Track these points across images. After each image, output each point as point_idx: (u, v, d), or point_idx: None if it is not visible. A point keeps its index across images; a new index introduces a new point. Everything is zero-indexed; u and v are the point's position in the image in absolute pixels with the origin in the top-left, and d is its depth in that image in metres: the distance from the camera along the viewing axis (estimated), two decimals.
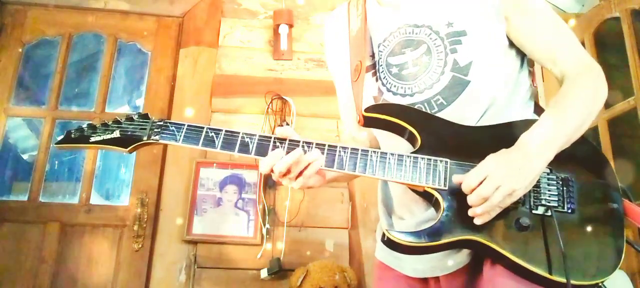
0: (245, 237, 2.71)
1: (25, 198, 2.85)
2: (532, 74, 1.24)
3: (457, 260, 1.10)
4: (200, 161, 2.80)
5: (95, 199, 2.94)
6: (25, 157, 4.07)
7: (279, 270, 2.61)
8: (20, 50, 3.06)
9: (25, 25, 3.09)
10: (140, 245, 2.73)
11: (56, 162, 3.57)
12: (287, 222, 2.75)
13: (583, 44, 3.00)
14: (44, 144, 2.93)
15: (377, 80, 1.22)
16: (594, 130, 2.85)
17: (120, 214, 2.83)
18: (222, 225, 2.72)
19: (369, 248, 2.74)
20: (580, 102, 1.07)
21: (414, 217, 1.16)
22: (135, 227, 2.74)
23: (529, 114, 1.19)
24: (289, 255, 2.69)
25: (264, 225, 2.72)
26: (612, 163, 2.72)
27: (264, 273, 2.63)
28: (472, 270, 1.10)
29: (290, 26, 3.03)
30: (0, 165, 3.36)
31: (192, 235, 2.69)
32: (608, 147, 2.74)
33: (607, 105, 2.81)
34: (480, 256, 1.08)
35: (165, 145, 2.89)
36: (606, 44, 2.96)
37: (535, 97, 1.25)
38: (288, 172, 1.07)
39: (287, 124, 2.90)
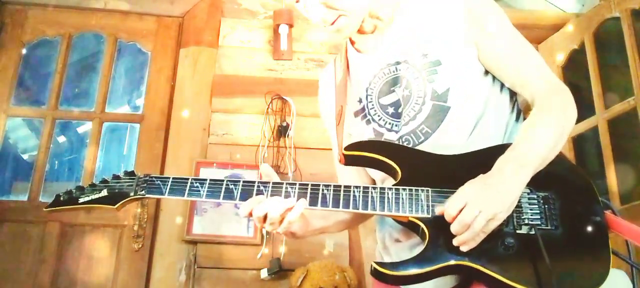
0: (245, 237, 2.71)
1: (25, 198, 2.85)
2: (515, 96, 1.27)
3: (447, 281, 1.11)
4: (200, 161, 2.80)
5: None
6: (25, 157, 4.07)
7: (279, 270, 2.60)
8: (20, 50, 3.06)
9: (25, 25, 3.09)
10: (140, 245, 2.73)
11: (56, 162, 3.57)
12: None
13: (583, 44, 3.01)
14: (44, 144, 2.93)
15: (369, 122, 1.26)
16: (594, 130, 2.85)
17: (120, 214, 2.82)
18: (222, 225, 2.72)
19: (369, 248, 2.74)
20: (551, 123, 1.10)
21: (410, 239, 1.17)
22: (135, 227, 2.74)
23: (516, 134, 1.21)
24: (289, 255, 2.69)
25: None
26: (612, 163, 2.73)
27: (264, 274, 2.63)
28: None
29: (290, 26, 3.03)
30: (0, 165, 3.36)
31: (192, 235, 2.69)
32: (608, 147, 2.74)
33: (607, 105, 2.82)
34: (472, 279, 1.09)
35: (165, 145, 2.90)
36: (606, 44, 2.96)
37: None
38: (265, 218, 1.10)
39: (287, 124, 2.90)
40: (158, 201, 2.80)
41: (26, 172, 3.10)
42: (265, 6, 3.19)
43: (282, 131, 2.89)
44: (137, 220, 2.75)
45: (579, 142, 3.06)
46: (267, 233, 2.72)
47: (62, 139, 4.21)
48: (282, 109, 2.96)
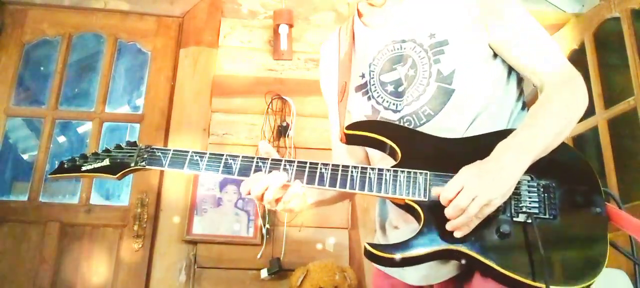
0: (245, 237, 2.71)
1: (25, 198, 2.85)
2: (521, 81, 1.24)
3: (449, 268, 1.11)
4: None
5: (95, 199, 2.95)
6: (25, 157, 4.07)
7: (279, 270, 2.61)
8: (20, 50, 3.06)
9: (25, 25, 3.09)
10: (140, 245, 2.73)
11: (56, 162, 3.57)
12: (287, 222, 2.75)
13: (583, 44, 3.01)
14: (44, 144, 2.93)
15: (369, 99, 1.25)
16: (594, 130, 2.85)
17: (120, 214, 2.83)
18: (222, 225, 2.72)
19: None
20: (558, 110, 1.08)
21: (409, 226, 1.16)
22: (135, 227, 2.74)
23: (520, 123, 1.19)
24: (289, 255, 2.69)
25: (264, 225, 2.72)
26: (612, 163, 2.73)
27: (264, 273, 2.63)
28: (465, 277, 1.11)
29: (290, 26, 3.03)
30: (0, 165, 3.36)
31: (192, 235, 2.69)
32: (608, 147, 2.74)
33: (607, 105, 2.82)
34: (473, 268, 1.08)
35: (165, 145, 2.89)
36: (606, 44, 2.96)
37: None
38: (263, 195, 1.10)
39: (287, 124, 2.90)
40: (158, 201, 2.80)
41: (26, 172, 3.10)
42: (265, 6, 3.19)
43: (282, 131, 2.89)
44: (137, 220, 2.75)
45: (579, 142, 3.06)
46: (267, 232, 2.72)
47: (62, 139, 4.21)
48: (282, 109, 2.96)
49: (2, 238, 2.72)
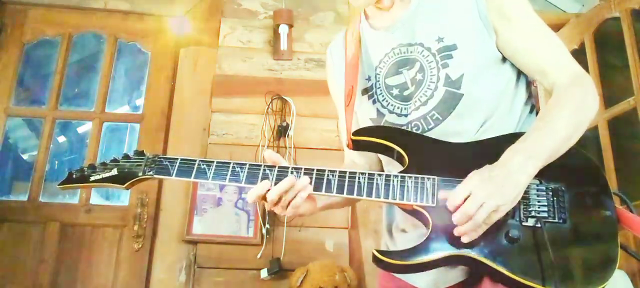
0: (245, 237, 2.71)
1: (25, 198, 2.85)
2: (530, 84, 1.24)
3: (458, 273, 1.11)
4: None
5: (95, 199, 2.95)
6: (25, 157, 4.07)
7: (279, 270, 2.61)
8: (20, 50, 3.07)
9: (25, 25, 3.09)
10: (140, 245, 2.73)
11: (56, 162, 3.57)
12: (287, 222, 2.75)
13: (583, 44, 3.01)
14: (44, 144, 2.93)
15: (374, 102, 1.25)
16: (594, 130, 2.85)
17: (120, 214, 2.83)
18: (222, 225, 2.72)
19: (369, 248, 2.74)
20: (568, 114, 1.06)
21: (417, 229, 1.16)
22: (135, 227, 2.74)
23: (529, 126, 1.18)
24: (289, 255, 2.69)
25: (264, 225, 2.72)
26: (612, 163, 2.72)
27: (264, 274, 2.63)
28: (474, 282, 1.10)
29: (290, 26, 3.03)
30: (0, 165, 3.36)
31: (192, 235, 2.69)
32: (608, 147, 2.74)
33: (607, 105, 2.82)
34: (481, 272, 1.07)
35: (165, 145, 2.91)
36: (606, 44, 2.96)
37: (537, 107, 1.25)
38: (279, 200, 1.09)
39: (287, 124, 2.90)
40: (158, 201, 2.81)
41: (26, 172, 3.10)
42: (265, 6, 3.19)
43: (282, 131, 2.89)
44: (137, 220, 2.75)
45: (579, 142, 3.06)
46: (267, 232, 2.72)
47: (62, 138, 4.20)
48: (282, 109, 2.96)
49: (2, 238, 2.72)
